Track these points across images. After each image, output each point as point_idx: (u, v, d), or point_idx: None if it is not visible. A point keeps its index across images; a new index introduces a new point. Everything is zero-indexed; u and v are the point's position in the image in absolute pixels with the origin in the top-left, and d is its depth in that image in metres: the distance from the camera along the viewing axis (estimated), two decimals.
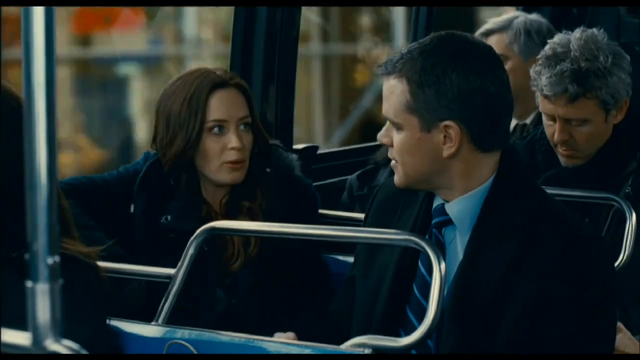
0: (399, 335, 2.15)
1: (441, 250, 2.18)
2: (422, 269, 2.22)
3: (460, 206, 2.20)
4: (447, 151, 2.16)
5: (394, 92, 2.18)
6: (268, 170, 2.86)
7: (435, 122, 2.15)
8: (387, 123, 2.24)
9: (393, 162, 2.25)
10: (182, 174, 2.81)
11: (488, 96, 2.16)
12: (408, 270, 2.24)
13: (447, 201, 2.23)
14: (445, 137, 2.16)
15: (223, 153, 2.76)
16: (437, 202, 2.26)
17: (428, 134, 2.16)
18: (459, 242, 2.21)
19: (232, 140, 2.75)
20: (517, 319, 2.09)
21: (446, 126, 2.15)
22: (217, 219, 2.75)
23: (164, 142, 2.79)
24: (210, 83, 2.76)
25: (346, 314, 2.35)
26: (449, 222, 2.22)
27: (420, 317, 2.16)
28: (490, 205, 2.19)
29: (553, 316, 2.09)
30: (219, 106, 2.76)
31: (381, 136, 2.26)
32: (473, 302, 2.11)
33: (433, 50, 2.19)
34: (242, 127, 2.78)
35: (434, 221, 2.24)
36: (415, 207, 2.30)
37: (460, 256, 2.18)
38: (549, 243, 2.12)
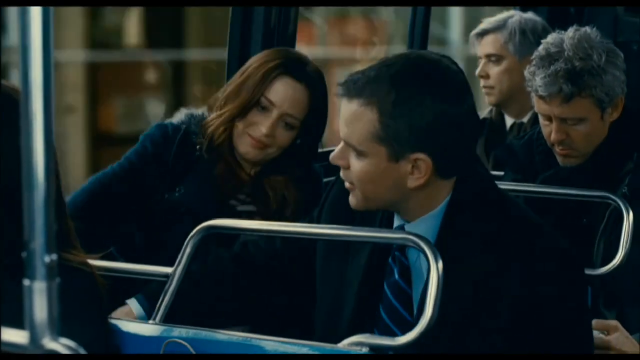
0: (371, 332, 2.16)
1: (407, 275, 2.19)
2: (395, 270, 2.20)
3: (421, 226, 2.15)
4: (413, 182, 2.10)
5: (359, 118, 2.08)
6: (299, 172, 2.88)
7: (405, 154, 2.08)
8: (342, 144, 2.14)
9: (348, 184, 2.17)
10: (221, 137, 2.82)
11: (459, 126, 2.10)
12: (378, 269, 2.22)
13: (408, 221, 2.19)
14: (413, 167, 2.10)
15: (252, 126, 2.79)
16: (397, 222, 2.22)
17: (395, 163, 2.09)
18: (423, 263, 2.16)
19: (266, 124, 2.78)
20: (489, 336, 2.07)
21: (416, 159, 2.08)
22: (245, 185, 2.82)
23: (227, 96, 2.82)
24: (288, 67, 2.80)
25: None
26: None
27: (393, 316, 2.18)
28: (448, 224, 2.15)
29: (527, 331, 2.07)
30: (278, 90, 2.79)
31: (335, 158, 2.15)
32: (443, 321, 1.99)
33: (405, 77, 2.09)
34: (283, 122, 2.80)
35: (396, 244, 2.19)
36: (374, 225, 2.25)
37: (424, 276, 2.14)
38: (515, 257, 2.08)
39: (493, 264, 2.09)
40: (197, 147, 2.84)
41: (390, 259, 2.22)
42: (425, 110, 2.06)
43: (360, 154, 2.11)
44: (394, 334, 2.15)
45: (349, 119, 2.10)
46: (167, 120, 2.93)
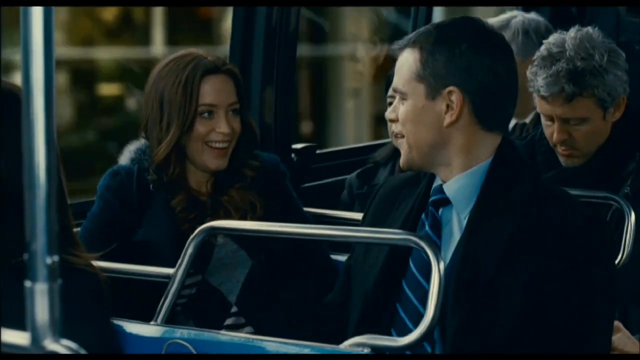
0: (389, 334, 2.16)
1: (437, 229, 2.22)
2: (413, 267, 2.23)
3: (458, 184, 2.23)
4: (448, 119, 2.21)
5: (405, 62, 2.26)
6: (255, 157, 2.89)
7: (440, 89, 2.21)
8: (396, 99, 2.30)
9: (399, 139, 2.31)
10: (172, 164, 2.79)
11: (495, 75, 2.22)
12: (398, 266, 2.25)
13: (445, 181, 2.25)
14: (447, 106, 2.21)
15: (209, 135, 2.79)
16: (436, 183, 2.29)
17: (432, 101, 2.22)
18: (455, 223, 2.23)
19: (221, 125, 2.78)
20: (518, 296, 2.10)
21: (450, 92, 2.20)
22: (205, 207, 2.79)
23: (159, 129, 2.78)
24: (202, 68, 2.79)
25: (341, 304, 2.36)
26: (446, 201, 2.24)
27: (411, 314, 2.18)
28: (489, 185, 2.21)
29: (553, 294, 2.10)
30: (209, 91, 2.79)
31: (389, 112, 2.39)
32: (472, 281, 2.13)
33: (449, 25, 2.29)
34: (231, 112, 2.82)
35: (431, 199, 2.26)
36: (413, 197, 2.32)
37: (457, 237, 2.20)
38: (548, 222, 2.14)
39: (527, 226, 2.15)
40: (150, 184, 2.80)
41: (410, 259, 2.24)
42: (463, 50, 2.22)
43: (403, 96, 2.26)
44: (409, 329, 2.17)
45: (398, 66, 2.29)
46: (117, 165, 2.86)
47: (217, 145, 2.79)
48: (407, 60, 2.26)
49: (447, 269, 2.12)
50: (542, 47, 3.01)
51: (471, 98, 2.21)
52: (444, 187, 2.25)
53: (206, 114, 2.79)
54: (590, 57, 2.93)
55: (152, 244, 2.76)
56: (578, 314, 2.12)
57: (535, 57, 3.02)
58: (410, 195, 2.34)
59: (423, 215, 2.27)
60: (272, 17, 3.54)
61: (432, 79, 2.22)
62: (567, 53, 2.94)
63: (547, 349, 2.10)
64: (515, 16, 4.03)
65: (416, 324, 2.16)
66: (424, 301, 2.18)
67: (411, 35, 2.29)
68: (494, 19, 4.04)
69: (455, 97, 2.20)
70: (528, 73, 3.01)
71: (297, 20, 3.63)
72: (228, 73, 2.84)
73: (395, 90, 2.29)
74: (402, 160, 2.30)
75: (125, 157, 2.88)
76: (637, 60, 3.84)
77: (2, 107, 1.96)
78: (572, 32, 3.00)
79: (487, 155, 2.24)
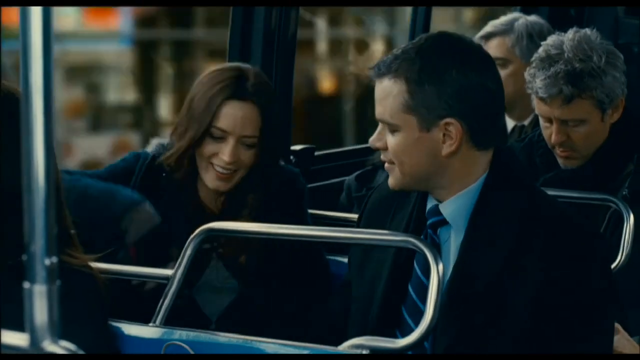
0: (394, 336, 2.15)
1: (436, 251, 2.19)
2: (418, 270, 2.22)
3: (454, 205, 2.19)
4: (447, 149, 2.15)
5: (390, 93, 2.15)
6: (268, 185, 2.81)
7: (435, 121, 2.13)
8: (379, 126, 2.20)
9: (387, 165, 2.22)
10: (182, 169, 2.78)
11: (488, 93, 2.16)
12: (403, 270, 2.24)
13: (441, 201, 2.22)
14: (444, 135, 2.14)
15: (213, 157, 2.73)
16: (430, 203, 2.25)
17: (427, 133, 2.15)
18: (453, 242, 2.20)
19: (226, 152, 2.71)
20: (514, 318, 2.09)
21: (447, 124, 2.13)
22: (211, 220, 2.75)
23: (179, 130, 2.77)
24: (230, 90, 2.72)
25: (341, 313, 2.35)
26: (443, 222, 2.21)
27: (416, 317, 2.17)
28: (483, 202, 2.18)
29: (550, 314, 2.09)
30: (227, 116, 2.72)
31: (374, 140, 2.22)
32: (468, 301, 2.11)
33: (430, 49, 2.17)
34: (243, 144, 2.73)
35: (429, 222, 2.23)
36: (408, 209, 2.29)
37: (456, 256, 2.18)
38: (545, 240, 2.11)
39: (524, 243, 2.12)
40: (164, 174, 2.80)
41: (415, 259, 2.23)
42: (452, 77, 2.13)
43: (393, 128, 2.17)
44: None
45: (380, 96, 2.18)
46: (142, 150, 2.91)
47: (219, 169, 2.74)
48: (391, 91, 2.15)
49: (444, 290, 2.10)
50: (540, 49, 3.01)
51: (468, 123, 2.14)
52: (440, 207, 2.21)
53: (217, 137, 2.72)
54: (589, 58, 2.93)
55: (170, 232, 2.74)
56: (579, 324, 2.10)
57: (533, 58, 3.02)
58: (402, 208, 2.30)
59: (421, 237, 2.22)
60: (271, 17, 3.54)
61: (424, 111, 2.13)
62: (566, 55, 2.94)
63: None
64: (518, 19, 4.01)
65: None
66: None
67: (389, 63, 2.16)
68: (496, 21, 4.03)
69: (453, 128, 2.13)
70: (526, 74, 3.01)
71: (296, 20, 3.63)
72: (255, 103, 2.74)
73: (381, 121, 2.19)
74: (393, 183, 2.22)
75: (149, 148, 2.90)
76: (635, 62, 3.85)
77: (1, 108, 1.96)
78: (570, 33, 3.00)
79: (482, 172, 2.20)
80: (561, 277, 2.09)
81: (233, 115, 2.72)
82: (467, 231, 2.16)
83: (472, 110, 2.14)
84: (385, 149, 2.20)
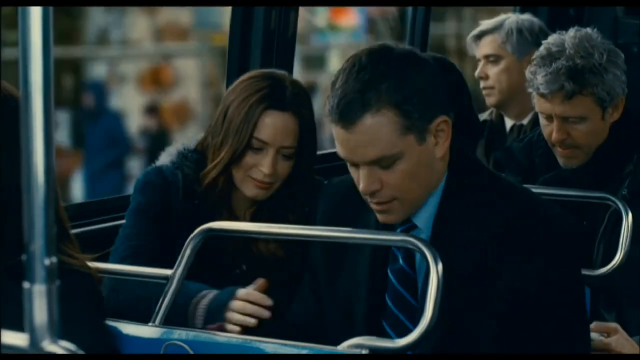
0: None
1: (412, 260, 2.19)
2: (394, 281, 2.20)
3: (424, 216, 2.16)
4: (440, 150, 2.12)
5: (380, 128, 2.04)
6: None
7: (426, 125, 2.08)
8: (365, 170, 2.09)
9: (385, 205, 2.12)
10: (220, 184, 2.72)
11: (441, 76, 2.14)
12: (380, 283, 2.21)
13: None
14: (436, 136, 2.10)
15: (252, 169, 2.68)
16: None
17: (424, 142, 2.09)
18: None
19: (265, 164, 2.66)
20: (491, 313, 2.08)
21: (438, 123, 2.09)
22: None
23: (214, 142, 2.71)
24: (270, 100, 2.67)
25: (313, 314, 2.34)
26: (413, 227, 2.18)
27: (397, 328, 2.17)
28: (445, 204, 2.15)
29: (527, 308, 2.08)
30: (267, 126, 2.67)
31: (369, 185, 2.09)
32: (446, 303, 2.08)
33: (384, 61, 2.07)
34: (281, 155, 2.69)
35: (399, 229, 2.19)
36: (371, 216, 2.21)
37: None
38: (510, 224, 2.09)
39: (491, 245, 2.09)
40: (195, 200, 2.72)
41: (389, 270, 2.21)
42: (425, 82, 2.07)
43: (394, 159, 2.07)
44: (401, 322, 2.17)
45: (368, 138, 2.05)
46: (157, 164, 2.78)
47: (258, 178, 2.68)
48: (380, 126, 2.04)
49: (421, 298, 2.10)
50: (542, 47, 3.01)
51: (450, 116, 2.11)
52: (414, 219, 2.17)
53: (256, 147, 2.67)
54: (590, 55, 2.94)
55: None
56: (550, 312, 2.10)
57: (534, 57, 3.02)
58: (362, 216, 2.23)
59: (394, 248, 2.20)
60: (271, 17, 3.54)
61: (418, 122, 2.05)
62: (567, 51, 2.94)
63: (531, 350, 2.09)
64: (509, 17, 4.05)
65: (405, 312, 2.18)
66: (411, 289, 2.19)
67: (359, 100, 2.03)
68: (487, 21, 4.05)
69: (444, 124, 2.10)
70: (527, 72, 3.01)
71: (296, 20, 3.64)
72: (294, 113, 2.69)
73: (375, 163, 2.07)
74: (394, 219, 2.15)
75: (164, 159, 2.79)
76: (635, 62, 3.85)
77: (1, 108, 1.96)
78: (572, 32, 3.01)
79: (445, 170, 2.17)
80: (531, 277, 2.07)
81: (273, 126, 2.66)
82: (433, 233, 2.14)
83: (445, 98, 2.12)
84: (381, 188, 2.10)
